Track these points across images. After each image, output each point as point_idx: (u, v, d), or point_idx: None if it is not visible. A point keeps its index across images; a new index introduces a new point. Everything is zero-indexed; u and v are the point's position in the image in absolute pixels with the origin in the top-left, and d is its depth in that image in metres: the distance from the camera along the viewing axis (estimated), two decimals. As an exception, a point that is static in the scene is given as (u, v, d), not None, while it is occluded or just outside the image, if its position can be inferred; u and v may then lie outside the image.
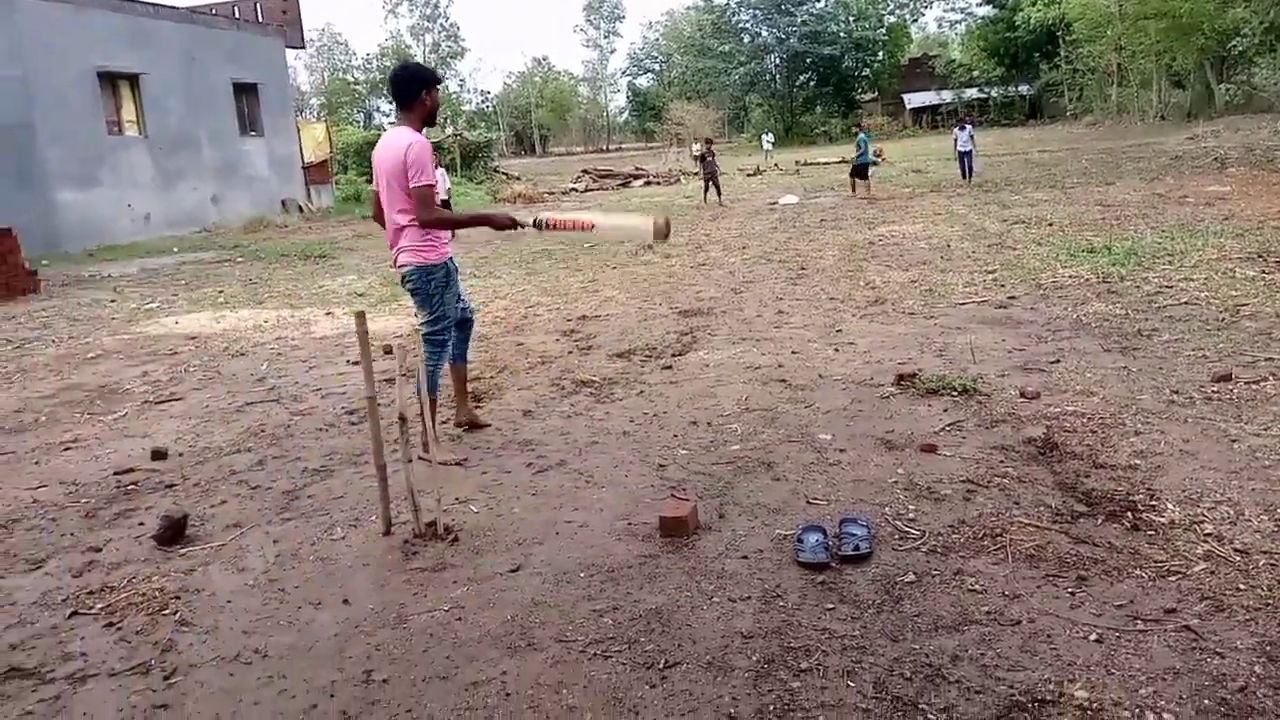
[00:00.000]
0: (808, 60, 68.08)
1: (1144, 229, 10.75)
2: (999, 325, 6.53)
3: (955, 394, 4.87)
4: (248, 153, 22.51)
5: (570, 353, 6.69)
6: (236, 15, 23.59)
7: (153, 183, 19.31)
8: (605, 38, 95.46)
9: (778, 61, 70.31)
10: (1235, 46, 33.63)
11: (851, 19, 68.36)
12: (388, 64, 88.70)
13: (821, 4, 69.14)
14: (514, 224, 4.32)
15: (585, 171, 36.64)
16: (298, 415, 5.51)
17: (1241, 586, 2.75)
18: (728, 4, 70.94)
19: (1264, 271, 7.67)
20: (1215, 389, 4.66)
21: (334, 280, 11.80)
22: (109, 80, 18.64)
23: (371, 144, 35.48)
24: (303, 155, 25.16)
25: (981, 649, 2.51)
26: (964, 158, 20.33)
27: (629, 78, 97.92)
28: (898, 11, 74.21)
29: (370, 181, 26.63)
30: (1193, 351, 5.41)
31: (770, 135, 45.92)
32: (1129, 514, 3.25)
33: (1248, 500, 3.32)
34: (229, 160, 21.74)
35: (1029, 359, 5.54)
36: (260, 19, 24.00)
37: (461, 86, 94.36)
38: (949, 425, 4.41)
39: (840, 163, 32.28)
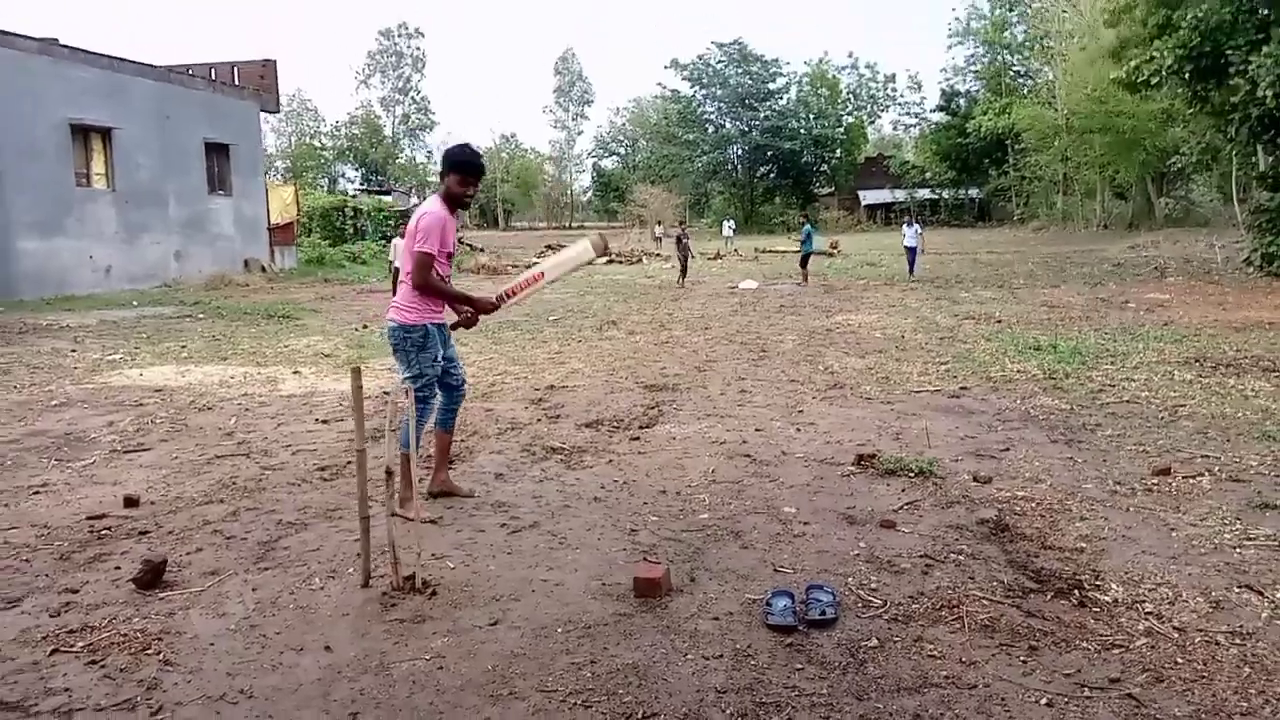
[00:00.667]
0: (768, 153, 70.27)
1: (1088, 330, 11.28)
2: (952, 413, 6.82)
3: (912, 475, 5.10)
4: (214, 211, 22.57)
5: (539, 420, 6.83)
6: (214, 76, 23.88)
7: (116, 236, 19.24)
8: (573, 120, 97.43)
9: (740, 152, 72.42)
10: (1174, 164, 35.45)
11: (812, 117, 70.96)
12: (356, 132, 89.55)
13: (784, 101, 71.78)
14: (496, 305, 4.64)
15: (549, 246, 37.08)
16: (269, 470, 5.56)
17: (1179, 660, 2.95)
18: (694, 95, 73.19)
19: (1200, 375, 8.11)
20: (1155, 481, 4.95)
21: (299, 340, 11.84)
22: (81, 132, 18.70)
23: (338, 207, 35.87)
24: (269, 216, 25.26)
25: (940, 710, 2.68)
26: (910, 253, 21.13)
27: (594, 159, 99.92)
28: (856, 112, 77.16)
29: (332, 245, 26.70)
30: (1134, 446, 5.72)
31: (731, 222, 47.11)
32: (1076, 592, 3.46)
33: (1184, 583, 3.56)
34: (195, 217, 21.78)
35: (980, 446, 5.81)
36: (236, 82, 24.31)
37: (429, 158, 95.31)
38: (907, 504, 4.62)
39: (797, 252, 33.14)
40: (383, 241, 35.09)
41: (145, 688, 2.90)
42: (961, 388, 7.82)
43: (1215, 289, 17.30)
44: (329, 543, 4.23)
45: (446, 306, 4.71)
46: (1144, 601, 3.39)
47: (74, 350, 10.84)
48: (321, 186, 75.75)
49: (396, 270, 16.82)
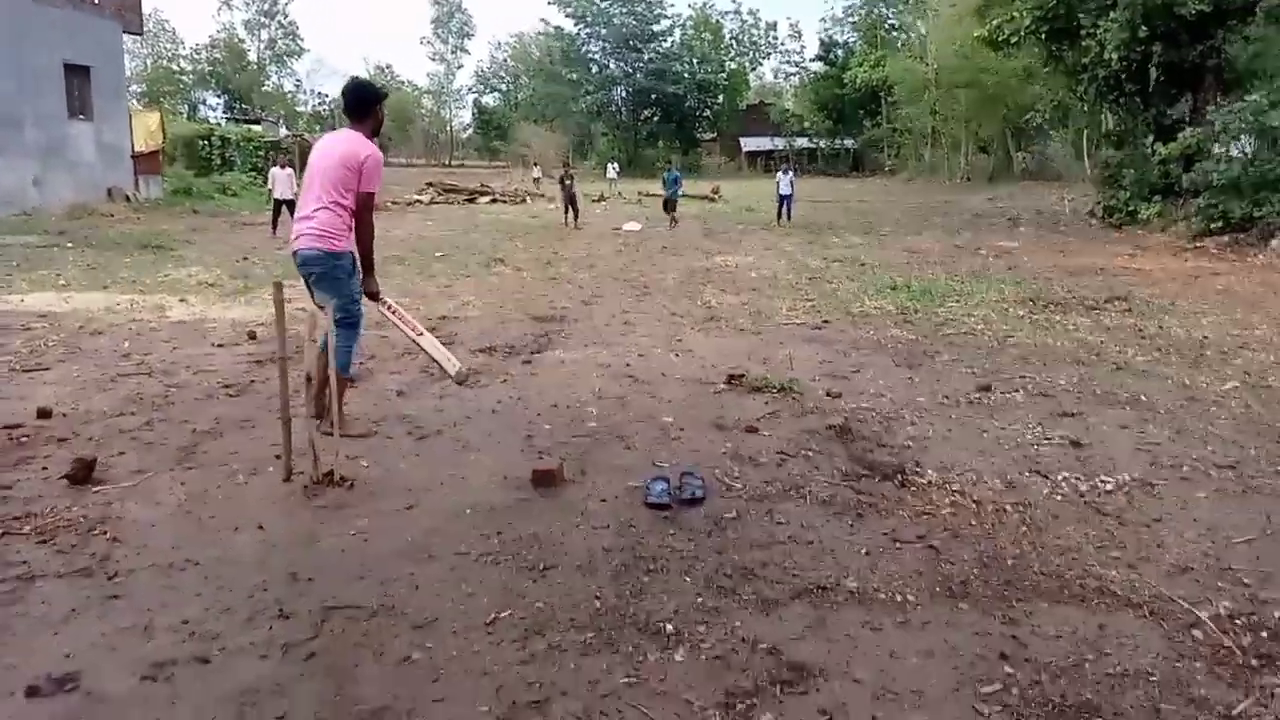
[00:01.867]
0: (653, 96, 70.39)
1: (941, 274, 12.28)
2: (814, 342, 7.55)
3: (775, 392, 5.77)
4: (75, 136, 21.45)
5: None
6: (71, -8, 22.46)
7: (-32, 159, 18.20)
8: (452, 53, 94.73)
9: (624, 94, 72.27)
10: (1031, 120, 37.66)
11: (696, 61, 71.29)
12: (218, 56, 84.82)
13: (668, 44, 71.79)
14: (375, 296, 4.75)
15: (430, 184, 36.60)
16: (173, 387, 5.80)
17: (973, 523, 3.69)
18: (578, 33, 72.37)
19: (1031, 312, 9.12)
20: (977, 396, 5.76)
21: (179, 270, 11.72)
22: (-73, 48, 17.48)
23: (205, 137, 34.31)
24: (133, 144, 24.15)
25: (783, 558, 3.32)
26: (784, 200, 21.96)
27: (475, 95, 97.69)
28: (739, 58, 77.92)
29: (199, 175, 25.42)
30: (965, 369, 6.56)
31: (615, 165, 47.32)
32: (899, 476, 4.18)
33: (987, 470, 4.33)
34: (54, 143, 20.66)
35: (835, 369, 6.54)
36: (97, 1, 22.95)
37: (298, 87, 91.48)
38: (768, 414, 5.28)
39: (681, 197, 33.78)
40: (253, 173, 33.92)
41: (98, 559, 3.27)
42: (824, 321, 8.58)
43: (1060, 238, 18.79)
44: (246, 447, 4.58)
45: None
46: (952, 483, 4.13)
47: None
48: (181, 113, 71.76)
49: (279, 202, 16.61)
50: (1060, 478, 4.23)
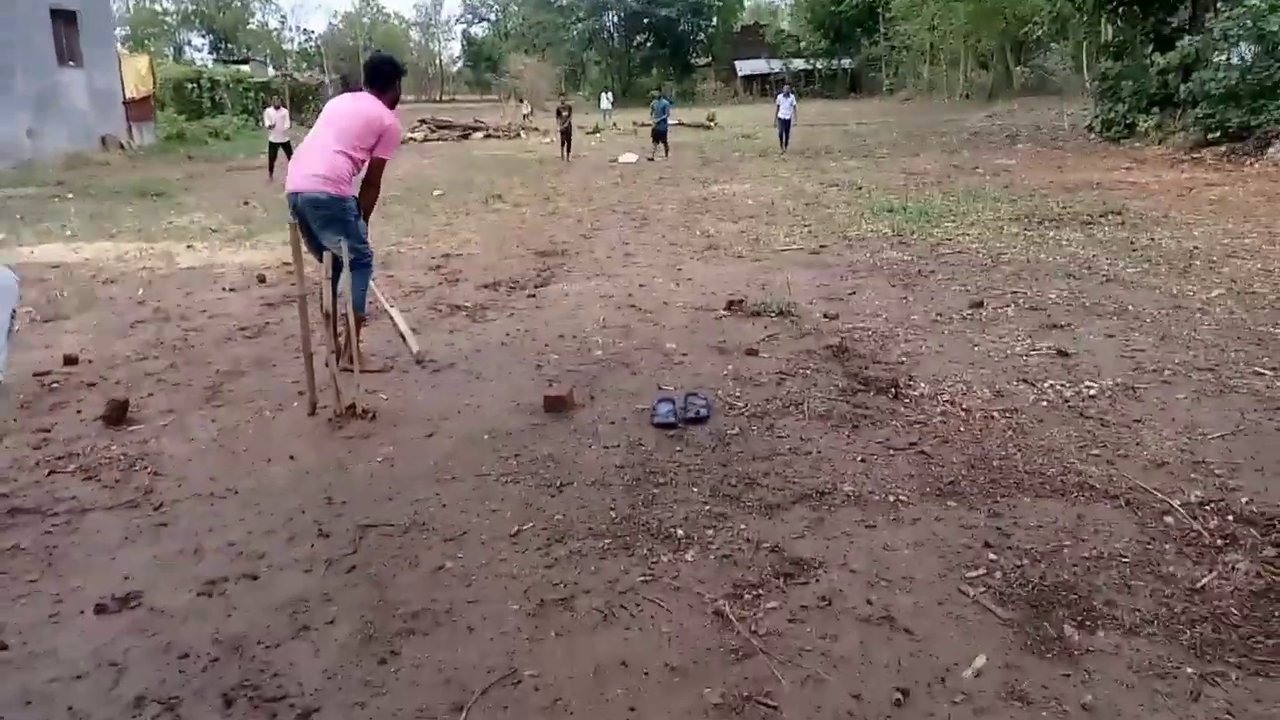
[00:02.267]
0: (645, 21, 69.01)
1: (937, 194, 12.34)
2: (811, 267, 7.70)
3: (774, 315, 5.94)
4: (66, 84, 21.30)
5: (440, 284, 7.39)
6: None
7: (-41, 112, 18.13)
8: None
9: (616, 20, 70.85)
10: (1030, 33, 37.04)
11: (688, -18, 69.73)
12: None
13: (659, -34, 70.12)
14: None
15: (423, 121, 36.27)
16: (191, 331, 5.99)
17: (962, 430, 3.91)
18: (567, -44, 70.75)
19: (1025, 229, 9.23)
20: (969, 312, 5.94)
21: (182, 218, 11.83)
22: (-90, -1, 17.30)
23: (193, 80, 33.91)
24: (124, 89, 23.96)
25: (783, 467, 3.55)
26: (784, 125, 21.66)
27: (464, 25, 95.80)
28: (732, -23, 76.14)
29: (189, 119, 25.11)
30: (958, 287, 6.72)
31: (609, 95, 46.69)
32: (893, 389, 4.39)
33: (977, 380, 4.53)
34: (46, 91, 20.53)
35: (832, 292, 6.70)
36: (77, -59, 22.54)
37: (283, 23, 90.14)
38: (768, 337, 5.47)
39: (677, 124, 33.51)
40: (244, 115, 33.61)
41: (142, 492, 3.50)
42: (821, 246, 8.71)
43: (1058, 154, 18.73)
44: (269, 385, 4.79)
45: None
46: (943, 394, 4.34)
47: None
48: (167, 56, 70.60)
49: (274, 145, 16.57)
50: (1047, 385, 4.43)
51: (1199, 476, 3.39)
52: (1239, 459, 3.53)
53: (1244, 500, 3.17)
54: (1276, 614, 2.50)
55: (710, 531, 3.06)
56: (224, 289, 7.31)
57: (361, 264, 4.73)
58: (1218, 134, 16.55)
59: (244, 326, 6.06)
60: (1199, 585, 2.66)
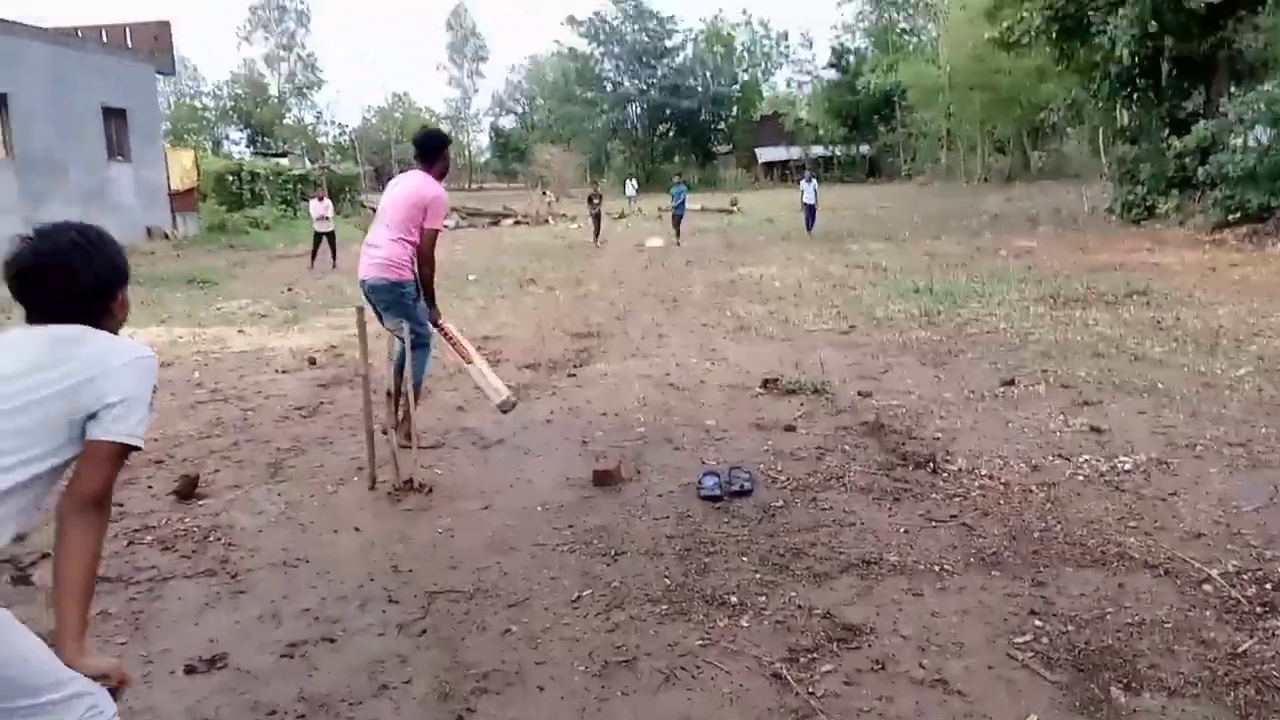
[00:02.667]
0: (667, 111, 71.03)
1: (961, 276, 12.58)
2: (842, 347, 7.90)
3: (809, 393, 6.12)
4: (115, 178, 22.21)
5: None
6: (105, 40, 23.33)
7: (18, 205, 18.87)
8: (468, 78, 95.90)
9: (639, 111, 72.95)
10: (1045, 119, 37.85)
11: (708, 75, 71.95)
12: (239, 92, 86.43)
13: (681, 59, 72.47)
14: (436, 320, 5.15)
15: (454, 209, 37.25)
16: (249, 411, 6.24)
17: (1001, 502, 4.03)
18: (591, 53, 73.23)
19: (1051, 309, 9.42)
20: (1001, 390, 6.09)
21: (229, 303, 12.25)
22: (-26, 100, 18.28)
23: (234, 172, 35.12)
24: (169, 182, 24.92)
25: (828, 538, 3.68)
26: (809, 210, 22.15)
27: (492, 118, 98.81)
28: (751, 70, 78.44)
29: (230, 210, 25.90)
30: (989, 365, 6.88)
31: (634, 182, 47.87)
32: (930, 464, 4.52)
33: (1013, 455, 4.66)
34: (96, 185, 21.41)
35: (864, 370, 6.88)
36: (130, 44, 23.80)
37: (318, 118, 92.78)
38: (804, 413, 5.64)
39: (700, 210, 34.27)
40: (283, 205, 34.69)
41: (218, 561, 3.68)
42: (850, 326, 8.92)
43: (1079, 236, 19.00)
44: (329, 461, 5.00)
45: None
46: (980, 469, 4.47)
47: (8, 318, 11.04)
48: (206, 149, 73.17)
49: (318, 234, 17.15)
50: (1082, 460, 4.55)
51: (1235, 547, 3.49)
52: (1274, 531, 3.62)
53: (1280, 569, 3.27)
54: (1317, 676, 2.59)
55: (763, 598, 3.19)
56: (276, 371, 7.60)
57: (420, 344, 4.99)
58: (1238, 215, 16.78)
59: (299, 406, 6.31)
60: (1240, 650, 2.75)
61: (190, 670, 2.86)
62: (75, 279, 1.76)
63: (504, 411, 5.11)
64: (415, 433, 4.71)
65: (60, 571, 1.68)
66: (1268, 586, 3.14)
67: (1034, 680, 2.64)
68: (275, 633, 3.09)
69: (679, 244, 20.93)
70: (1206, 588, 3.16)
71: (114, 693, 1.78)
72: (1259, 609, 2.98)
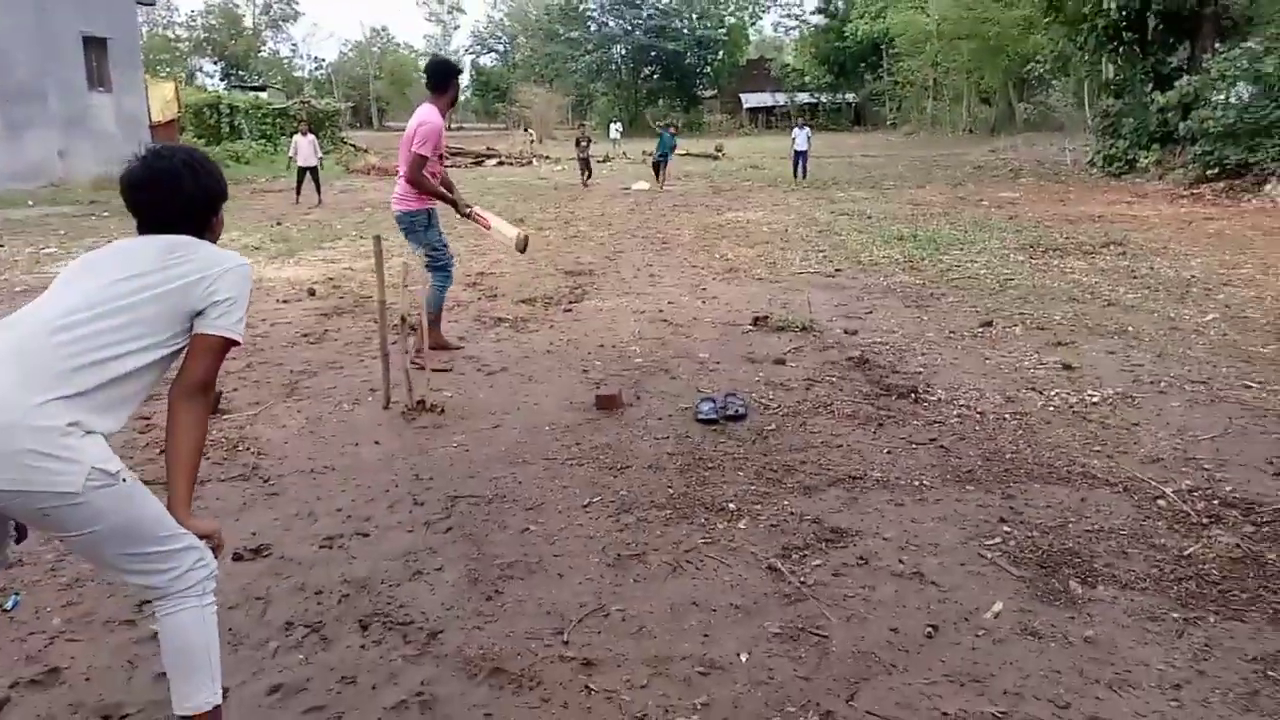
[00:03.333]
0: (652, 54, 70.22)
1: (944, 224, 12.84)
2: (828, 288, 8.17)
3: (797, 330, 6.40)
4: (96, 108, 21.92)
5: (480, 299, 7.85)
6: (83, -36, 22.81)
7: (-1, 133, 18.73)
8: (449, 13, 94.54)
9: (623, 52, 72.04)
10: (1032, 70, 37.86)
11: (695, 17, 70.99)
12: (214, 22, 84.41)
13: (666, 0, 71.47)
14: (467, 212, 5.65)
15: (437, 148, 36.95)
16: (257, 337, 6.43)
17: (977, 429, 4.34)
18: (576, -10, 72.07)
19: (1031, 257, 9.71)
20: (980, 330, 6.39)
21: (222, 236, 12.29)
22: (-49, 25, 17.97)
23: (212, 105, 34.64)
24: (150, 113, 24.61)
25: (817, 456, 3.99)
26: (799, 157, 22.15)
27: (473, 56, 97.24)
28: (738, 13, 77.46)
29: (209, 144, 25.95)
30: (969, 308, 7.18)
31: (618, 125, 47.59)
32: (912, 394, 4.83)
33: (989, 388, 4.97)
34: (77, 114, 21.14)
35: (850, 310, 7.16)
36: (108, -30, 23.29)
37: (294, 52, 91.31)
38: (793, 349, 5.92)
39: (685, 154, 34.22)
40: (262, 140, 34.31)
41: (249, 468, 3.93)
42: (836, 270, 9.18)
43: (1060, 188, 19.27)
44: (341, 383, 5.24)
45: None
46: (959, 399, 4.78)
47: (1, 246, 11.10)
48: (181, 81, 71.63)
49: (301, 169, 17.12)
50: (1053, 393, 4.87)
51: (1189, 469, 3.82)
52: (1226, 456, 3.96)
53: (1228, 489, 3.60)
54: (1250, 575, 2.92)
55: (758, 506, 3.49)
56: (278, 301, 7.77)
57: (435, 267, 5.30)
58: (1216, 171, 17.09)
59: (305, 333, 6.51)
60: (1186, 553, 3.08)
61: (238, 558, 3.13)
62: (184, 193, 2.04)
63: (520, 251, 5.81)
64: (426, 353, 4.96)
65: (172, 448, 1.95)
66: (1215, 502, 3.47)
67: (1001, 575, 2.96)
68: (312, 527, 3.36)
69: (661, 189, 20.86)
70: (1160, 503, 3.49)
71: (215, 551, 2.05)
72: (1205, 520, 3.32)
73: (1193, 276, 8.35)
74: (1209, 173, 17.23)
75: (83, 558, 2.41)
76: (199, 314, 1.95)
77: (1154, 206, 14.97)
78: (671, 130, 23.12)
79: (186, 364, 1.97)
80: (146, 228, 2.04)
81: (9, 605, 2.84)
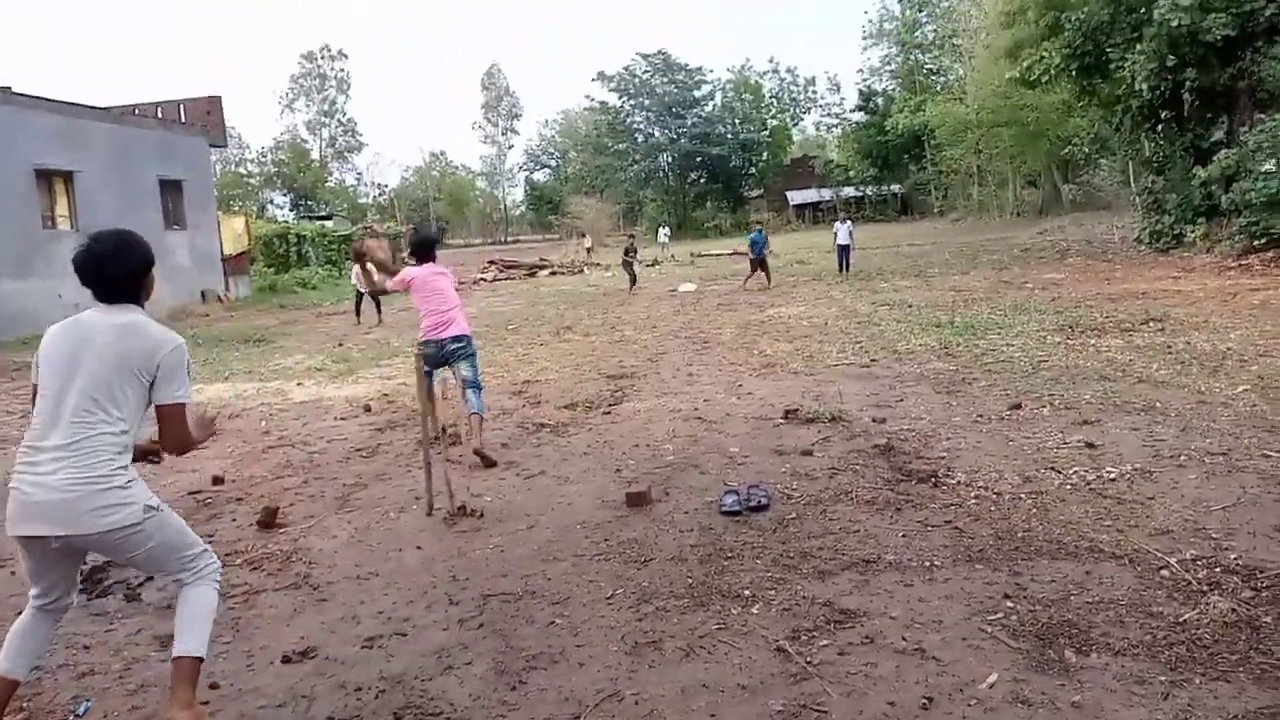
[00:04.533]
0: (698, 159, 72.34)
1: (984, 309, 12.98)
2: (862, 379, 8.36)
3: (827, 421, 6.59)
4: (171, 245, 23.40)
5: (524, 406, 8.21)
6: (160, 115, 24.72)
7: (83, 274, 20.05)
8: (503, 135, 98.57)
9: (670, 160, 74.33)
10: (1070, 153, 38.17)
11: (738, 121, 73.25)
12: (283, 157, 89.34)
13: (710, 108, 73.94)
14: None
15: (492, 262, 38.27)
16: (315, 454, 6.85)
17: (993, 509, 4.48)
18: (621, 106, 74.95)
19: (1068, 338, 9.80)
20: (1008, 413, 6.52)
21: (286, 359, 13.01)
22: (45, 177, 19.53)
23: (281, 236, 36.53)
24: (222, 247, 26.12)
25: (834, 542, 4.16)
26: (843, 251, 22.42)
27: (526, 172, 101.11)
28: (779, 115, 79.68)
29: (278, 272, 27.63)
30: (999, 391, 7.31)
31: (666, 229, 48.81)
32: (932, 479, 4.98)
33: (1009, 470, 5.10)
34: (154, 253, 22.60)
35: (881, 399, 7.34)
36: (184, 119, 25.18)
37: (359, 180, 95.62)
38: (821, 439, 6.12)
39: (731, 254, 34.93)
40: (328, 265, 36.00)
41: (301, 577, 4.24)
42: (872, 360, 9.38)
43: (1106, 266, 19.29)
44: (390, 493, 5.57)
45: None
46: (978, 481, 4.92)
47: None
48: (252, 214, 75.57)
49: (360, 293, 17.98)
50: (1071, 471, 4.98)
51: (1197, 539, 3.91)
52: (1235, 525, 4.03)
53: (1233, 556, 3.68)
54: (1242, 638, 3.01)
55: (772, 592, 3.68)
56: (336, 418, 8.23)
57: (480, 384, 5.90)
58: (1263, 240, 16.97)
59: (359, 448, 6.91)
60: (1181, 619, 3.18)
61: (286, 660, 3.40)
62: (124, 265, 2.79)
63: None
64: (481, 445, 5.47)
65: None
66: (1217, 569, 3.56)
67: (1000, 647, 3.09)
68: (355, 629, 3.63)
69: (770, 285, 20.58)
70: (1164, 573, 3.59)
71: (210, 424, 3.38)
72: (1205, 587, 3.41)
73: (1229, 349, 8.36)
74: (1256, 243, 17.11)
75: (140, 569, 3.51)
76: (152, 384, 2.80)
77: (1200, 280, 14.92)
78: (760, 227, 23.46)
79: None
80: (97, 294, 2.79)
81: (81, 711, 3.14)
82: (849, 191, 67.41)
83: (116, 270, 2.77)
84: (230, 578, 4.28)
